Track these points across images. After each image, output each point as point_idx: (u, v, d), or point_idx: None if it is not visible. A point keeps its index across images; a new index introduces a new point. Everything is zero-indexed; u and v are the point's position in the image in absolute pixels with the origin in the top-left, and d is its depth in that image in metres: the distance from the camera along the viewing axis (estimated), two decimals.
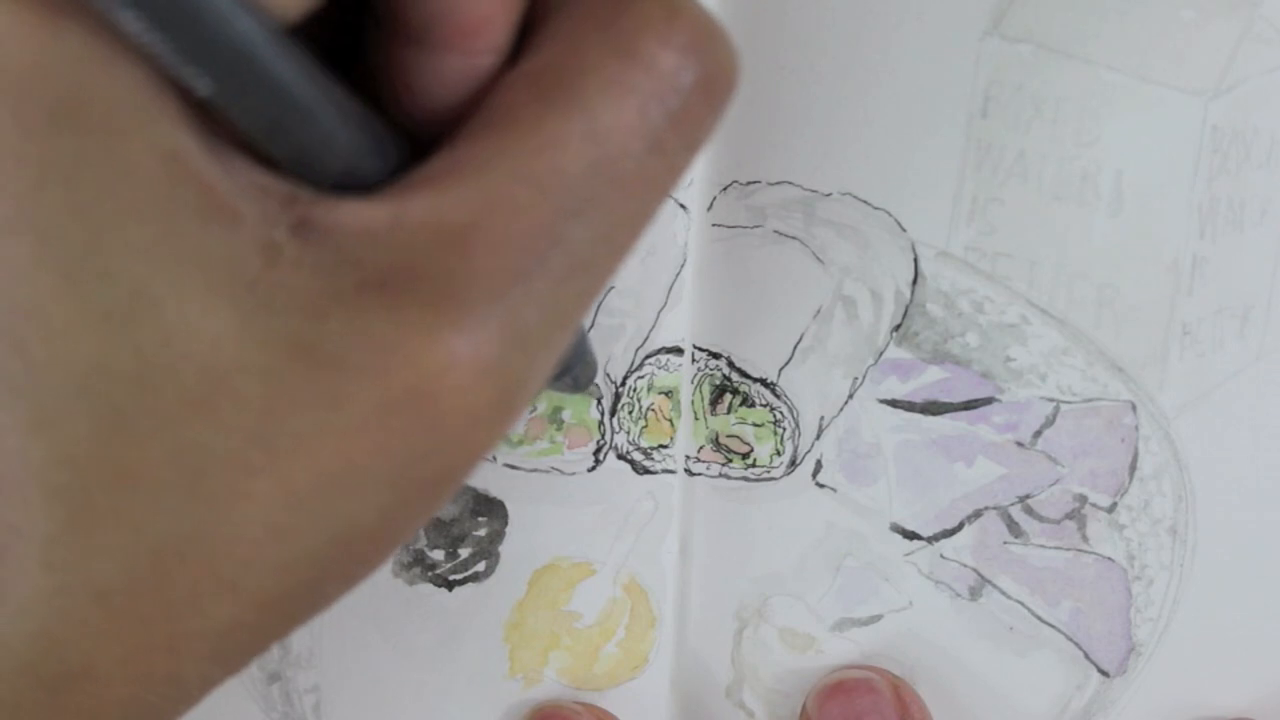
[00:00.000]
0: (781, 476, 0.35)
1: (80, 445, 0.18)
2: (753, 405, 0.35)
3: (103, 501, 0.18)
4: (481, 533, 0.35)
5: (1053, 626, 0.35)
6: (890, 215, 0.33)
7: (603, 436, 0.35)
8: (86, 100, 0.17)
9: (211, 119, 0.18)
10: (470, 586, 0.36)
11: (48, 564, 0.18)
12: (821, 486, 0.35)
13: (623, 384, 0.35)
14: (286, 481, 0.18)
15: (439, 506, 0.21)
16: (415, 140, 0.20)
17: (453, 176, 0.19)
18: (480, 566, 0.36)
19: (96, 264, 0.17)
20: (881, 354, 0.34)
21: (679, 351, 0.35)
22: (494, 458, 0.35)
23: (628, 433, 0.35)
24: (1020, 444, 0.34)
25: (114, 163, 0.17)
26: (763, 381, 0.34)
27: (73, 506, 0.18)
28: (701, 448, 0.35)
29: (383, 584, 0.35)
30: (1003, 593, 0.35)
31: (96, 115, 0.17)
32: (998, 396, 0.34)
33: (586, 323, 0.34)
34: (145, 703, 0.20)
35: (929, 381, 0.34)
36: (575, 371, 0.31)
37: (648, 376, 0.35)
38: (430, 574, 0.36)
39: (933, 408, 0.34)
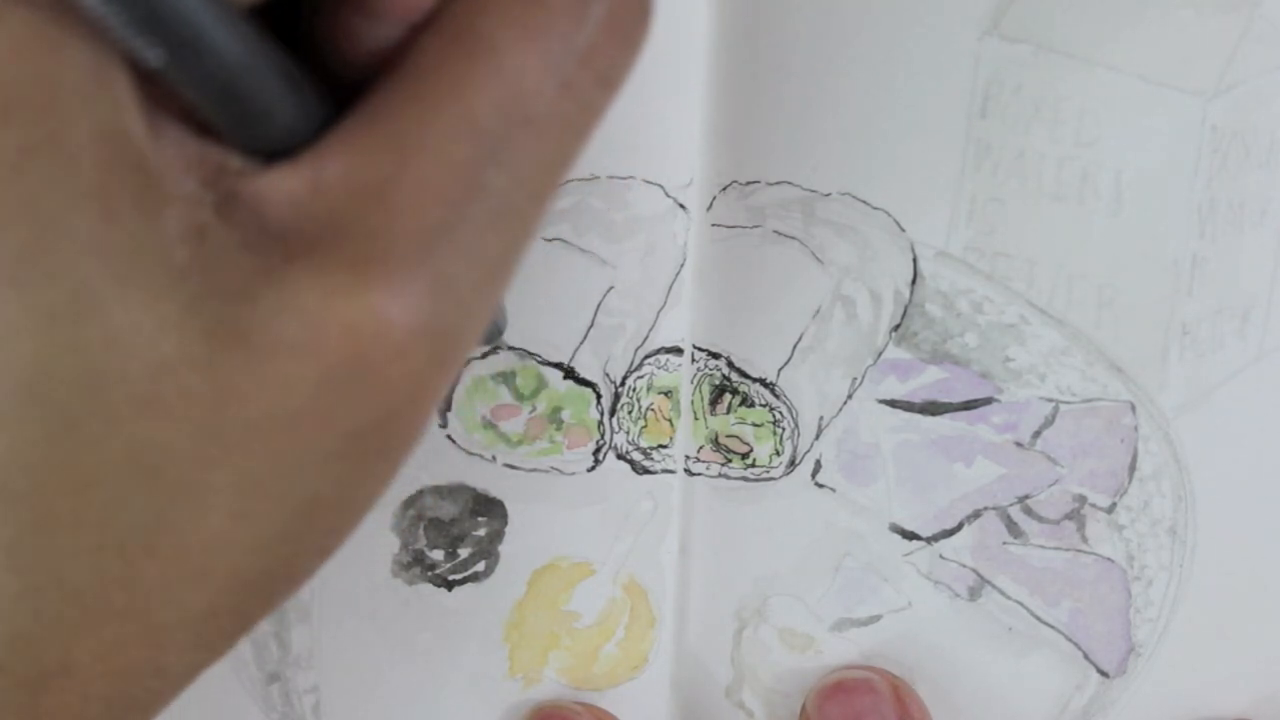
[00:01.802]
0: (781, 476, 0.35)
1: (34, 449, 0.18)
2: (752, 405, 0.35)
3: (62, 503, 0.18)
4: (481, 533, 0.35)
5: (1052, 627, 0.35)
6: (889, 215, 0.33)
7: (602, 436, 0.35)
8: (32, 88, 0.16)
9: (151, 88, 0.18)
10: (470, 586, 0.36)
11: (13, 567, 0.18)
12: (821, 486, 0.35)
13: (622, 384, 0.35)
14: (243, 468, 0.18)
15: (399, 467, 0.21)
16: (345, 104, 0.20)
17: (366, 133, 0.19)
18: (480, 566, 0.36)
19: (42, 264, 0.17)
20: (881, 354, 0.34)
21: (678, 351, 0.35)
22: (493, 457, 0.35)
23: (627, 433, 0.35)
24: (1019, 444, 0.34)
25: (60, 153, 0.17)
26: (762, 381, 0.34)
27: (33, 509, 0.18)
28: (701, 448, 0.35)
29: (382, 584, 0.35)
30: (1002, 593, 0.35)
31: (43, 103, 0.16)
32: (997, 397, 0.34)
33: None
34: (129, 695, 0.20)
35: (928, 382, 0.34)
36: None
37: (647, 376, 0.35)
38: (430, 574, 0.36)
39: (932, 408, 0.34)
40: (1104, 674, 0.35)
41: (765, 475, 0.35)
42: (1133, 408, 0.34)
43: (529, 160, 0.19)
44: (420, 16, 0.19)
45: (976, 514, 0.34)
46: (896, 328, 0.34)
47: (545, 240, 0.34)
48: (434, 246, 0.18)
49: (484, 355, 0.34)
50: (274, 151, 0.19)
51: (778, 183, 0.33)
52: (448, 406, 0.35)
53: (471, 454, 0.35)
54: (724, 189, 0.34)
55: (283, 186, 0.18)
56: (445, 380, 0.20)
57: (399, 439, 0.20)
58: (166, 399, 0.18)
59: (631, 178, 0.34)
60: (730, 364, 0.35)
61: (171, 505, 0.18)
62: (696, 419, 0.35)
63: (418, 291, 0.18)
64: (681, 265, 0.34)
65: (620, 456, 0.35)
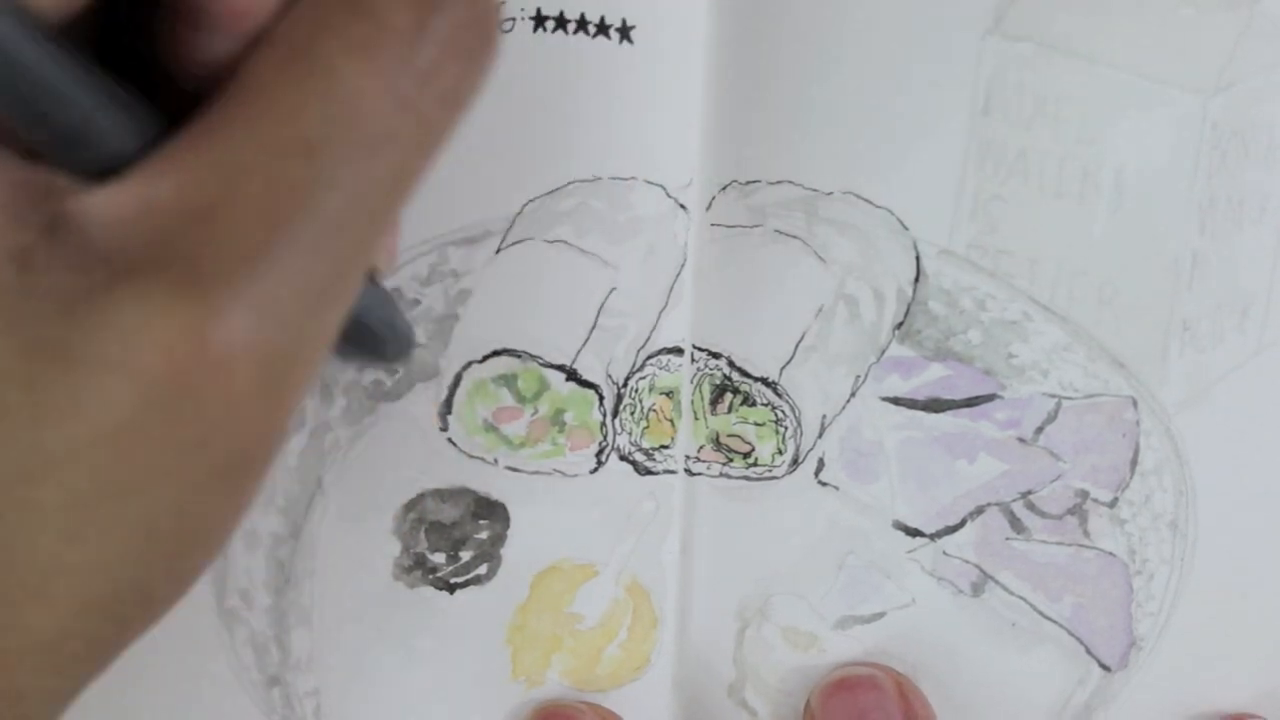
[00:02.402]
0: (783, 475, 0.35)
1: None
2: (754, 404, 0.35)
3: None
4: (483, 535, 0.35)
5: (1054, 622, 0.35)
6: (892, 213, 0.33)
7: (605, 438, 0.35)
8: None
9: None
10: (472, 589, 0.36)
11: None
12: (824, 485, 0.35)
13: (624, 385, 0.35)
14: (69, 488, 0.18)
15: (248, 493, 0.21)
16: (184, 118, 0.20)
17: (196, 152, 0.18)
18: (482, 569, 0.35)
19: None
20: (884, 352, 0.34)
21: (679, 352, 0.35)
22: (495, 460, 0.35)
23: (630, 434, 0.35)
24: (1022, 440, 0.34)
25: None
26: (764, 381, 0.34)
27: None
28: (702, 447, 0.35)
29: (383, 588, 0.35)
30: (1005, 589, 0.35)
31: None
32: (1000, 393, 0.34)
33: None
34: None
35: (931, 379, 0.34)
36: (385, 346, 0.31)
37: (649, 377, 0.35)
38: (431, 577, 0.35)
39: (935, 405, 0.34)
40: (1106, 668, 0.35)
41: (768, 474, 0.35)
42: (1134, 403, 0.34)
43: (364, 181, 0.19)
44: (255, 30, 0.19)
45: (979, 510, 0.35)
46: (899, 325, 0.34)
47: (547, 242, 0.34)
48: (258, 267, 0.18)
49: (484, 359, 0.34)
50: (102, 170, 0.19)
51: (779, 182, 0.33)
52: (448, 410, 0.35)
53: (473, 457, 0.35)
54: (724, 189, 0.34)
55: (109, 207, 0.18)
56: (280, 401, 0.20)
57: (235, 461, 0.20)
58: None
59: (632, 179, 0.34)
60: (731, 364, 0.35)
61: (2, 525, 0.18)
62: (697, 419, 0.35)
63: (238, 312, 0.18)
64: (682, 265, 0.34)
65: (623, 458, 0.35)
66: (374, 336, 0.30)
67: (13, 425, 0.18)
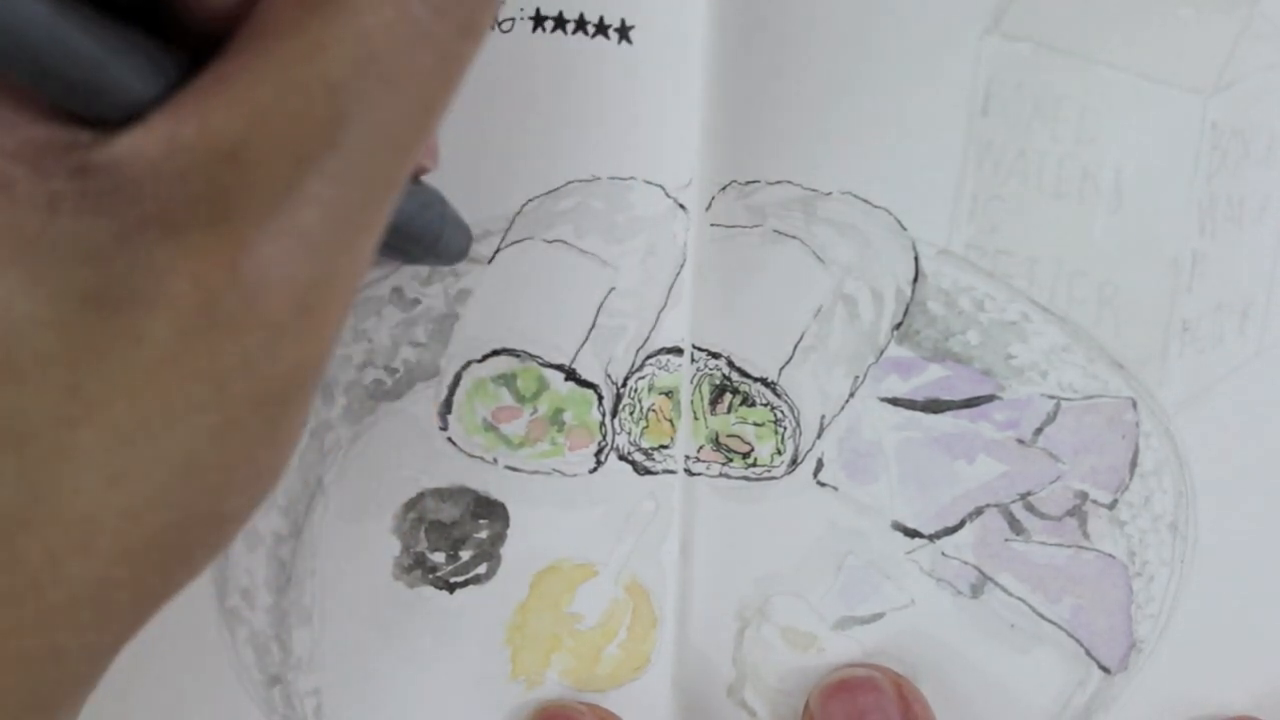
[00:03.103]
0: (783, 476, 0.35)
1: None
2: (753, 405, 0.35)
3: None
4: (483, 535, 0.35)
5: (1054, 623, 0.35)
6: (890, 214, 0.33)
7: (604, 438, 0.35)
8: None
9: None
10: (471, 589, 0.36)
11: None
12: (823, 485, 0.35)
13: (624, 385, 0.35)
14: (109, 427, 0.19)
15: (288, 429, 0.21)
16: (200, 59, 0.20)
17: (220, 92, 0.19)
18: (481, 569, 0.36)
19: None
20: (883, 352, 0.34)
21: (679, 352, 0.35)
22: (495, 460, 0.35)
23: (629, 433, 0.35)
24: (1021, 441, 0.34)
25: None
26: (763, 381, 0.34)
27: None
28: (701, 447, 0.35)
29: (383, 587, 0.35)
30: (1004, 590, 0.35)
31: None
32: (999, 394, 0.34)
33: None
34: (28, 688, 0.19)
35: (930, 379, 0.34)
36: (438, 243, 0.31)
37: (648, 377, 0.35)
38: (431, 576, 0.35)
39: (934, 405, 0.34)
40: (1106, 670, 0.35)
41: (767, 474, 0.35)
42: (1134, 404, 0.34)
43: (387, 114, 0.19)
44: None
45: (978, 511, 0.35)
46: (898, 326, 0.34)
47: (546, 242, 0.34)
48: (286, 201, 0.19)
49: (483, 358, 0.34)
50: (122, 118, 0.19)
51: (778, 182, 0.33)
52: (448, 409, 0.35)
53: (472, 456, 0.35)
54: (723, 189, 0.34)
55: (135, 150, 0.18)
56: (314, 331, 0.20)
57: (274, 392, 0.20)
58: (21, 364, 0.18)
59: (632, 178, 0.34)
60: (730, 364, 0.35)
61: (43, 474, 0.18)
62: (696, 419, 0.35)
63: (269, 244, 0.19)
64: (682, 265, 0.34)
65: (622, 457, 0.35)
66: (428, 235, 0.30)
67: (49, 371, 0.18)
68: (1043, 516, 0.34)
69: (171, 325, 0.18)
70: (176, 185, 0.18)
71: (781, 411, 0.35)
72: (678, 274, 0.34)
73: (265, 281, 0.19)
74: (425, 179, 0.30)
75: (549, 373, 0.34)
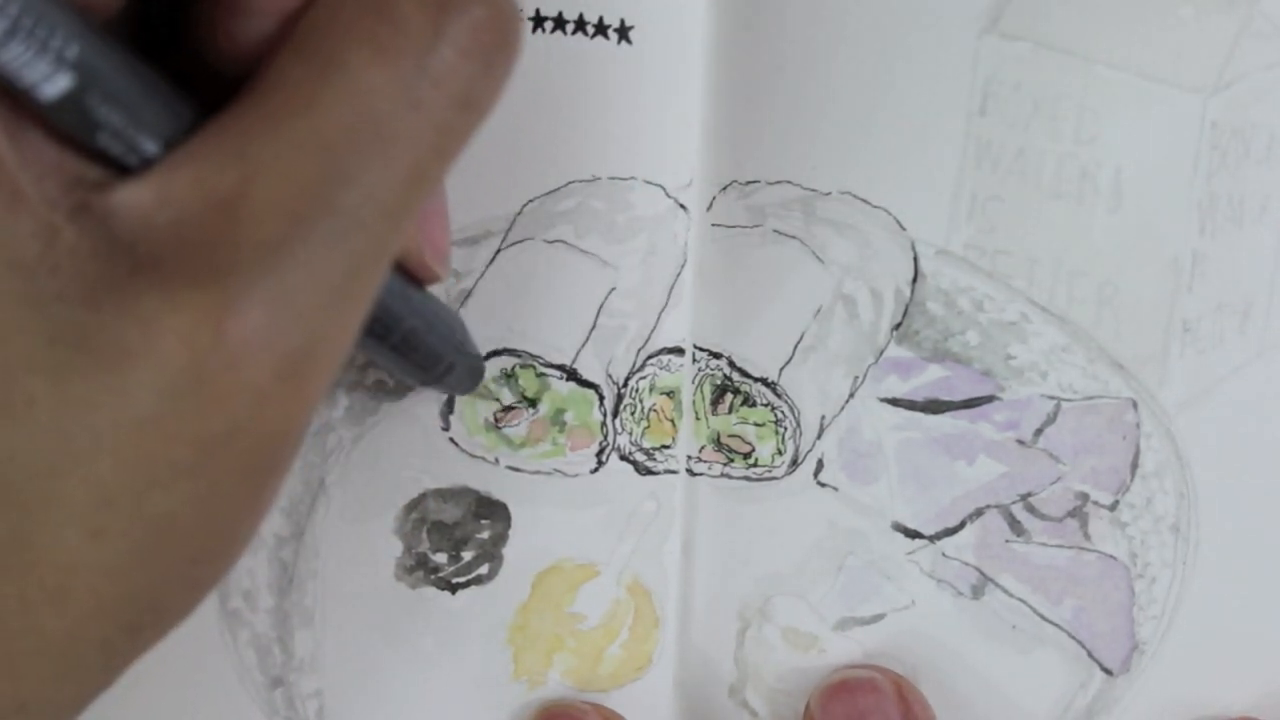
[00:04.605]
0: (783, 476, 0.35)
1: None
2: (754, 405, 0.35)
3: None
4: (484, 535, 0.35)
5: (1055, 625, 0.35)
6: (890, 214, 0.33)
7: (605, 438, 0.35)
8: None
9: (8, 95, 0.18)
10: (473, 589, 0.36)
11: None
12: (823, 486, 0.35)
13: (625, 385, 0.35)
14: (93, 480, 0.18)
15: (267, 494, 0.21)
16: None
17: (218, 145, 0.19)
18: (483, 569, 0.36)
19: None
20: (882, 353, 0.34)
21: (680, 352, 0.35)
22: (496, 460, 0.35)
23: (630, 434, 0.35)
24: (1021, 442, 0.34)
25: None
26: (764, 381, 0.34)
27: None
28: (703, 448, 0.35)
29: (385, 588, 0.35)
30: (1005, 591, 0.35)
31: None
32: (998, 394, 0.34)
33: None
34: None
35: (930, 380, 0.34)
36: (453, 373, 0.31)
37: (649, 377, 0.35)
38: (433, 577, 0.35)
39: (934, 406, 0.34)
40: (1108, 672, 0.35)
41: (768, 475, 0.35)
42: (1134, 405, 0.34)
43: (379, 179, 0.19)
44: (290, 10, 0.20)
45: (979, 512, 0.34)
46: (898, 326, 0.34)
47: (547, 243, 0.34)
48: (275, 261, 0.19)
49: (485, 359, 0.34)
50: (136, 161, 0.19)
51: (778, 182, 0.33)
52: (450, 409, 0.35)
53: (474, 457, 0.35)
54: (724, 189, 0.34)
55: (132, 198, 0.18)
56: (298, 397, 0.20)
57: (256, 458, 0.20)
58: (12, 405, 0.18)
59: (632, 179, 0.34)
60: (731, 364, 0.35)
61: (24, 518, 0.18)
62: (698, 419, 0.35)
63: (255, 305, 0.18)
64: (682, 265, 0.34)
65: (623, 458, 0.35)
66: (432, 353, 0.30)
67: (40, 417, 0.18)
68: (1043, 518, 0.34)
69: (158, 383, 0.18)
70: (168, 236, 0.18)
71: (782, 412, 0.35)
72: (678, 274, 0.34)
73: (249, 346, 0.19)
74: (448, 301, 0.30)
75: (550, 373, 0.35)
